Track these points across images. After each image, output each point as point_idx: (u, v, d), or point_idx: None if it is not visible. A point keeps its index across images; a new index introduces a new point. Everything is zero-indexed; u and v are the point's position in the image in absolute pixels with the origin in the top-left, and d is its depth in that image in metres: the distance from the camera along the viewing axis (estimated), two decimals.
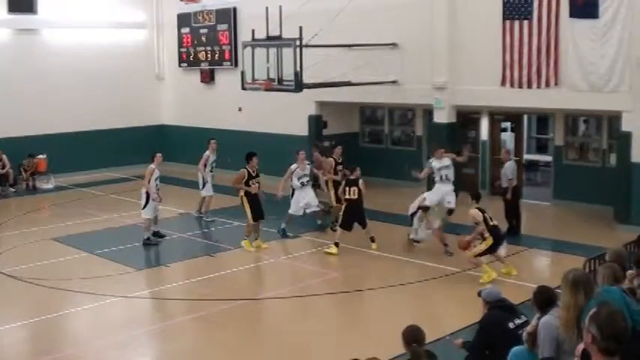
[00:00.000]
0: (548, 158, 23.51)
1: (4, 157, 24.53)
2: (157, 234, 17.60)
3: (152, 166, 17.33)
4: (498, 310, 8.34)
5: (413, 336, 7.08)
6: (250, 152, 17.23)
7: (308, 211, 17.75)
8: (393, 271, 14.61)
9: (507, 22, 19.12)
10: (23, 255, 16.74)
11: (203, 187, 19.80)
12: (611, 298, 6.22)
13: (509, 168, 17.44)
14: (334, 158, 18.75)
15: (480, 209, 13.91)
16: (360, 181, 16.36)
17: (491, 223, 13.83)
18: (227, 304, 13.23)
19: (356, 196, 16.24)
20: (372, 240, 16.37)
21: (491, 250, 13.86)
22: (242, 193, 16.84)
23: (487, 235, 13.67)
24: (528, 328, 7.45)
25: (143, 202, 17.30)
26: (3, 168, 24.60)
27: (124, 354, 11.51)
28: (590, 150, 20.74)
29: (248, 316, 12.98)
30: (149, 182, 17.13)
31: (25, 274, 15.04)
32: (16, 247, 17.51)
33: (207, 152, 19.92)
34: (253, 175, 16.89)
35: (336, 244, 16.18)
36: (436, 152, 16.85)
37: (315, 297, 13.57)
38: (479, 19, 19.84)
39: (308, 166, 17.89)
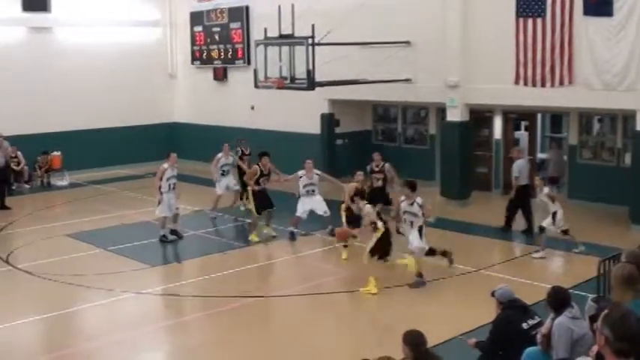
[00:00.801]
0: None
1: (20, 153, 24.67)
2: (174, 232, 17.65)
3: (165, 165, 17.42)
4: (512, 310, 8.33)
5: (417, 339, 7.10)
6: (262, 152, 17.81)
7: (319, 212, 17.40)
8: (407, 271, 14.48)
9: (521, 20, 19.02)
10: (38, 251, 16.86)
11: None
12: None
13: (516, 166, 17.46)
14: (373, 167, 18.34)
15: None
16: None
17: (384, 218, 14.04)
18: (240, 302, 13.26)
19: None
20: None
21: (384, 245, 13.53)
22: (251, 188, 17.29)
23: (379, 225, 13.47)
24: (542, 330, 7.44)
25: (157, 200, 17.43)
26: (18, 165, 24.73)
27: (137, 350, 11.59)
28: (605, 149, 20.61)
29: (261, 314, 13.03)
30: (160, 180, 17.26)
31: (39, 270, 15.13)
32: (31, 243, 17.63)
33: (220, 154, 20.14)
34: (265, 173, 17.45)
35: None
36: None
37: (329, 295, 13.57)
38: (492, 17, 19.73)
39: (316, 176, 17.46)
